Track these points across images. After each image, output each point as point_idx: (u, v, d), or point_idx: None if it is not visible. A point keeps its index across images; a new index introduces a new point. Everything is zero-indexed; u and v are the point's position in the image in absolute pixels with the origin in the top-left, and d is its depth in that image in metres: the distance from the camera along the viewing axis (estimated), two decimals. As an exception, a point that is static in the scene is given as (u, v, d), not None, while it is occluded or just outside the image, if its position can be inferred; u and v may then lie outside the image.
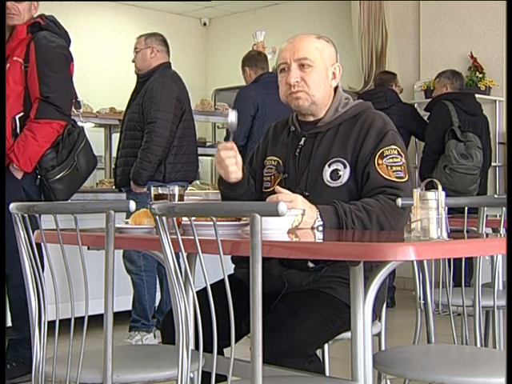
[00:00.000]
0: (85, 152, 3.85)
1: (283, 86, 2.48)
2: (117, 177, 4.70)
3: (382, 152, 2.37)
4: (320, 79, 2.46)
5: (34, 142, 3.66)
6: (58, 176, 3.73)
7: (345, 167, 2.41)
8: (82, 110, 4.14)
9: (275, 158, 2.58)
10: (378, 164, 2.36)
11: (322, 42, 2.49)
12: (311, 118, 2.52)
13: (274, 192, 2.31)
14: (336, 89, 2.54)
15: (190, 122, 4.70)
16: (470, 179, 5.56)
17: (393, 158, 2.37)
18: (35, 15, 3.91)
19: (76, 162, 3.79)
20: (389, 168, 2.36)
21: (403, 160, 2.38)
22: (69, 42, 3.99)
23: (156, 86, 4.50)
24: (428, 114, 5.96)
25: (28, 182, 3.71)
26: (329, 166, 2.42)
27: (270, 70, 5.70)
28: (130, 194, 4.59)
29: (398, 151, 2.39)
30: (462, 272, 2.75)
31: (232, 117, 2.42)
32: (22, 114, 3.70)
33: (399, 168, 2.37)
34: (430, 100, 6.03)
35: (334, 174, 2.41)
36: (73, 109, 4.03)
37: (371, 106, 2.55)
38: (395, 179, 2.35)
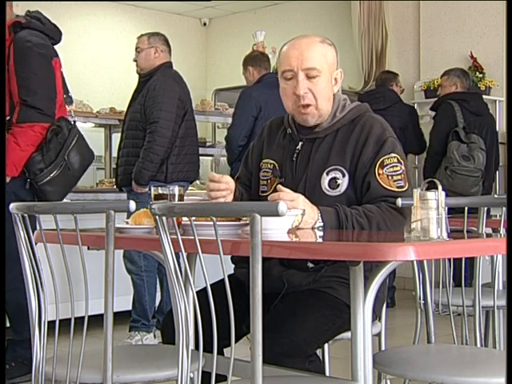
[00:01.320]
0: (77, 149, 3.77)
1: (290, 96, 2.43)
2: (118, 176, 4.70)
3: (382, 161, 2.36)
4: (326, 88, 2.43)
5: (17, 147, 3.59)
6: (48, 178, 3.66)
7: (343, 176, 2.39)
8: (73, 105, 4.02)
9: (271, 161, 2.55)
10: (379, 174, 2.34)
11: (325, 46, 2.44)
12: (310, 124, 2.49)
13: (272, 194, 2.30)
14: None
15: (192, 122, 4.70)
16: (472, 181, 5.54)
17: (393, 166, 2.36)
18: (18, 13, 3.83)
19: (66, 161, 3.71)
20: (389, 178, 2.35)
21: (403, 168, 2.37)
22: (58, 36, 3.88)
23: (158, 85, 4.50)
24: (434, 113, 5.95)
25: (18, 185, 3.64)
26: (327, 173, 2.40)
27: (271, 71, 5.70)
28: (131, 193, 4.59)
29: (397, 159, 2.37)
30: (462, 272, 2.75)
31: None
32: (8, 118, 3.62)
33: (399, 177, 2.35)
34: (436, 99, 5.97)
35: (333, 183, 2.39)
36: (68, 106, 3.96)
37: (369, 108, 2.52)
38: (396, 189, 2.34)
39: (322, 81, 2.41)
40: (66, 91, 3.91)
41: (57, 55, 3.82)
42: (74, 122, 3.91)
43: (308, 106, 2.41)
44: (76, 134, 3.79)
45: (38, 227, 2.04)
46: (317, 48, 2.42)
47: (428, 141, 5.86)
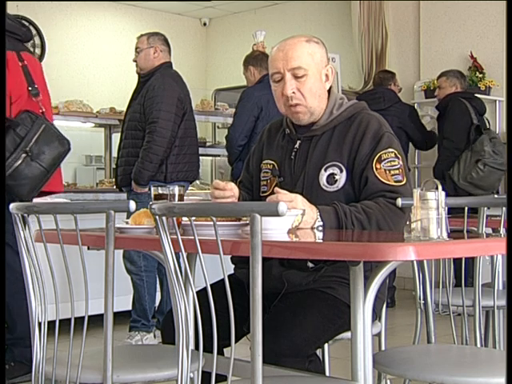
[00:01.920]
0: (44, 140, 3.65)
1: (280, 97, 2.45)
2: (118, 176, 4.70)
3: (380, 156, 2.37)
4: (315, 86, 2.43)
5: None
6: (7, 173, 3.53)
7: (341, 171, 2.40)
8: (40, 98, 3.88)
9: (271, 162, 2.56)
10: (376, 168, 2.35)
11: (312, 45, 2.44)
12: (306, 123, 2.50)
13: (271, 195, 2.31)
14: (330, 89, 2.51)
15: (192, 122, 4.70)
16: (499, 175, 5.61)
17: (390, 161, 2.37)
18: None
19: (29, 153, 3.59)
20: (387, 172, 2.35)
21: (400, 162, 2.38)
22: (22, 31, 3.76)
23: (157, 85, 4.50)
24: (436, 112, 5.94)
25: None
26: (325, 170, 2.41)
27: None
28: (130, 193, 4.59)
29: (395, 154, 2.38)
30: (462, 272, 2.75)
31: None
32: None
33: (397, 171, 2.36)
34: (442, 99, 5.94)
35: (331, 179, 2.40)
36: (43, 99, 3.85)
37: (366, 106, 2.54)
38: (394, 183, 2.35)
39: (309, 79, 2.42)
40: (31, 83, 3.76)
41: (17, 49, 3.71)
42: (43, 113, 3.77)
43: (297, 105, 2.43)
44: (41, 125, 3.67)
45: (37, 227, 2.04)
46: (302, 47, 2.43)
47: (443, 137, 5.79)
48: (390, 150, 2.38)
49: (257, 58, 5.49)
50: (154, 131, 4.42)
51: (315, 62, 2.43)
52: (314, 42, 2.46)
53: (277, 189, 2.28)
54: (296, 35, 2.49)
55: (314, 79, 2.43)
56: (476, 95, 5.99)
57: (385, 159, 2.36)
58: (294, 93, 2.41)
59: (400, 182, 2.36)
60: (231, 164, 5.40)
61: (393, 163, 2.37)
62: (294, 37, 2.48)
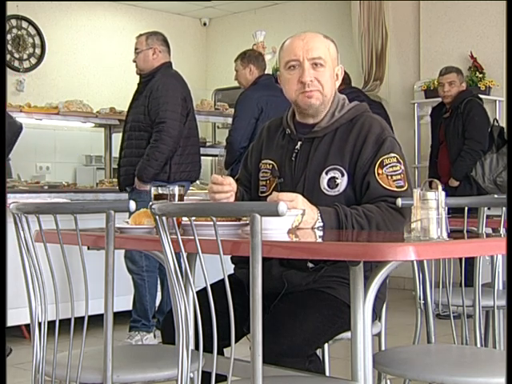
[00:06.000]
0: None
1: (294, 84, 2.44)
2: (120, 177, 4.70)
3: (382, 161, 2.36)
4: (330, 79, 2.45)
5: None
6: None
7: (342, 175, 2.39)
8: None
9: (270, 162, 2.55)
10: (378, 174, 2.35)
11: (329, 41, 2.48)
12: (311, 121, 2.50)
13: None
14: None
15: (194, 122, 4.72)
16: None
17: (392, 166, 2.36)
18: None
19: None
20: (389, 177, 2.35)
21: (402, 167, 2.38)
22: None
23: (161, 86, 4.50)
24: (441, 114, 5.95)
25: None
26: (326, 173, 2.41)
27: (270, 71, 5.70)
28: (132, 193, 4.59)
29: (397, 159, 2.38)
30: (462, 272, 2.75)
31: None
32: None
33: (399, 177, 2.36)
34: (437, 98, 5.92)
35: (332, 182, 2.40)
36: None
37: (368, 108, 2.53)
38: (395, 189, 2.34)
39: (326, 72, 2.44)
40: None
41: None
42: None
43: (313, 91, 2.43)
44: None
45: (37, 227, 2.04)
46: (321, 41, 2.46)
47: (465, 137, 5.72)
48: (392, 154, 2.38)
49: (258, 59, 5.50)
50: (162, 130, 4.43)
51: (331, 57, 2.46)
52: (330, 40, 2.50)
53: (275, 192, 2.29)
54: (311, 30, 2.53)
55: (330, 73, 2.46)
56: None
57: (387, 164, 2.36)
58: (311, 81, 2.42)
59: (402, 187, 2.35)
60: (228, 166, 5.39)
61: (395, 168, 2.36)
62: (310, 31, 2.51)
